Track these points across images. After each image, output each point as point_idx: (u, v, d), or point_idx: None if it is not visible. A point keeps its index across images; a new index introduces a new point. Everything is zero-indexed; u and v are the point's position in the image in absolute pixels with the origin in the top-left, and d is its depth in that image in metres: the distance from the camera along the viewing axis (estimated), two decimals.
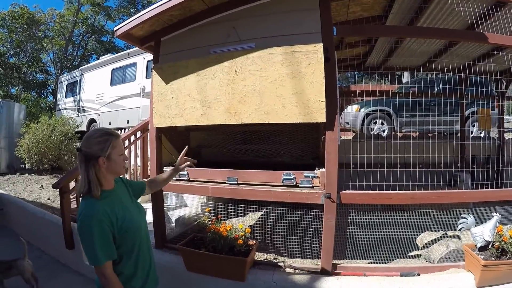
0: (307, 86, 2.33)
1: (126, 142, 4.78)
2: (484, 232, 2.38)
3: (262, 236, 2.98)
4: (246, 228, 2.63)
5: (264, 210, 3.08)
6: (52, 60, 17.88)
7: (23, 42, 15.44)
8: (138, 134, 5.03)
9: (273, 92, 2.40)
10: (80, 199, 1.51)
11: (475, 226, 2.49)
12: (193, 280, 2.69)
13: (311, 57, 2.31)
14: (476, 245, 2.43)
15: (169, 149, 3.32)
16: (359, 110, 7.14)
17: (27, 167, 8.28)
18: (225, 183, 2.65)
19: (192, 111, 2.75)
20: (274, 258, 2.94)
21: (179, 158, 1.99)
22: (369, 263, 2.77)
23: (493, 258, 2.31)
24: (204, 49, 2.84)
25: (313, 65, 2.30)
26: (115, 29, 3.27)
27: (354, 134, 6.98)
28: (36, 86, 16.56)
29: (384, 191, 2.59)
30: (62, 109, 11.10)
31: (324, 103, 2.30)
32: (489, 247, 2.38)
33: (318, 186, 2.49)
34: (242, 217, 4.14)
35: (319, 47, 2.31)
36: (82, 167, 1.42)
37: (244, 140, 3.22)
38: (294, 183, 2.46)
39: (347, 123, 7.39)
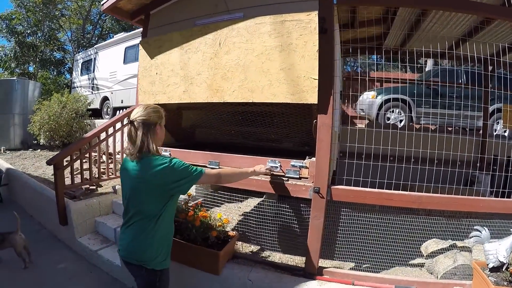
0: (297, 61, 2.02)
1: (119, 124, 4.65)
2: (499, 250, 1.98)
3: (245, 228, 2.76)
4: (224, 218, 2.41)
5: (248, 199, 2.85)
6: (70, 38, 18.05)
7: (40, 21, 15.65)
8: None
9: (259, 67, 2.12)
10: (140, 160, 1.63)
11: (490, 242, 2.07)
12: (170, 267, 2.52)
13: (304, 27, 1.99)
14: (488, 264, 2.03)
15: None
16: (376, 97, 6.71)
17: (41, 143, 8.43)
18: (206, 167, 2.41)
19: (175, 87, 2.53)
20: (258, 252, 2.72)
21: None
22: (365, 267, 2.46)
23: (505, 283, 1.90)
24: (191, 21, 2.58)
25: (305, 37, 1.98)
26: (102, 2, 3.08)
27: (368, 122, 6.60)
28: (53, 64, 16.83)
29: (384, 190, 2.22)
30: (77, 87, 11.19)
31: (317, 81, 1.99)
32: (503, 269, 1.97)
33: (307, 178, 2.19)
34: (231, 204, 3.96)
35: (313, 15, 1.98)
36: (139, 133, 1.60)
37: (239, 122, 2.95)
38: (278, 171, 2.20)
39: (362, 110, 7.01)
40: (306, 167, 2.17)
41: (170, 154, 2.57)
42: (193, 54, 2.40)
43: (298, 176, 2.16)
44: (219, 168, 2.33)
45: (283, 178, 2.24)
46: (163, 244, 1.69)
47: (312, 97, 2.01)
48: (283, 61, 2.05)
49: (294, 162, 2.17)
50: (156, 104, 2.70)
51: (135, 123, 1.64)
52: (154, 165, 1.59)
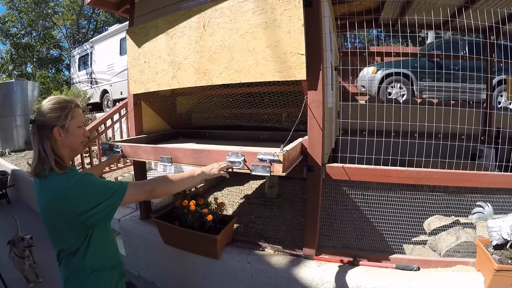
0: (283, 37, 1.95)
1: (116, 116, 4.67)
2: (503, 227, 1.92)
3: (244, 210, 2.75)
4: (220, 202, 2.41)
5: (250, 181, 2.83)
6: (65, 35, 17.96)
7: (34, 21, 15.59)
8: None
9: (244, 46, 2.06)
10: (41, 180, 1.22)
11: (493, 218, 2.03)
12: (171, 254, 2.56)
13: (287, 1, 1.90)
14: (491, 242, 1.98)
15: (151, 115, 3.12)
16: (376, 73, 6.59)
17: None
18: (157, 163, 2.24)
19: (163, 74, 2.49)
20: (257, 234, 2.72)
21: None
22: (366, 246, 2.40)
23: (509, 261, 1.86)
24: (175, 6, 2.50)
25: (290, 11, 1.91)
26: None
27: (369, 98, 6.51)
28: (51, 62, 16.83)
29: (381, 167, 2.17)
30: (76, 83, 11.22)
31: (304, 56, 1.91)
32: (507, 247, 1.93)
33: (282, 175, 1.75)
34: (232, 187, 3.96)
35: None
36: (35, 140, 1.21)
37: (230, 104, 2.87)
38: (241, 167, 1.66)
39: (363, 86, 6.90)
40: (280, 162, 1.58)
41: (121, 149, 2.27)
42: (179, 39, 2.34)
43: (268, 174, 1.62)
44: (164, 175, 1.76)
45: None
46: (104, 276, 1.33)
47: (300, 73, 1.95)
48: (269, 38, 1.99)
49: (262, 155, 1.60)
50: (145, 92, 2.70)
51: (34, 124, 1.23)
52: (55, 189, 1.17)
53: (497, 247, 1.97)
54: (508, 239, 1.91)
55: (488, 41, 4.65)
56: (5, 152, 7.82)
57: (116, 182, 1.26)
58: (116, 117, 4.68)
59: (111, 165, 4.53)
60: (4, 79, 14.61)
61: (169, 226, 2.36)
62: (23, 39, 15.73)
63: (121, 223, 3.09)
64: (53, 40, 16.97)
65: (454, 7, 4.06)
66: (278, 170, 1.59)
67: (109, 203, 1.19)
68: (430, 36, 9.50)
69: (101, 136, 4.51)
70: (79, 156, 4.20)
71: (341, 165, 2.20)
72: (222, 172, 1.60)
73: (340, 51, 4.79)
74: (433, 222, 2.63)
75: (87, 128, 4.22)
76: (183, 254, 2.45)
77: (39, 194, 1.23)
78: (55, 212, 1.18)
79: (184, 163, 1.91)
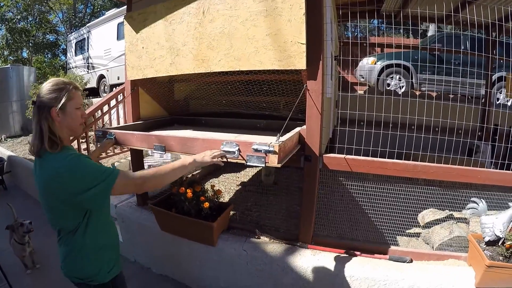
0: (283, 26, 1.93)
1: (113, 102, 4.64)
2: (496, 224, 1.95)
3: (241, 198, 2.77)
4: (217, 189, 2.42)
5: (246, 168, 2.82)
6: (62, 19, 17.66)
7: (30, 6, 15.31)
8: None
9: (244, 34, 2.03)
10: (40, 159, 1.26)
11: (487, 215, 2.05)
12: (168, 240, 2.58)
13: None
14: (484, 238, 2.01)
15: (148, 101, 3.10)
16: (375, 63, 6.57)
17: None
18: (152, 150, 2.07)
19: (161, 60, 2.46)
20: (253, 222, 2.75)
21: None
22: (361, 237, 2.44)
23: (501, 258, 1.89)
24: None
25: (291, 0, 1.89)
26: None
27: (368, 88, 6.51)
28: (47, 47, 16.60)
29: (378, 159, 2.18)
30: (73, 68, 11.10)
31: (305, 45, 1.89)
32: (499, 243, 1.95)
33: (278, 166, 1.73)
34: (229, 174, 3.97)
35: None
36: (34, 120, 1.25)
37: (229, 91, 2.85)
38: (237, 157, 1.62)
39: (362, 76, 6.89)
40: (275, 153, 1.53)
41: (114, 137, 2.21)
42: (178, 25, 2.31)
43: (263, 165, 1.58)
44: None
45: None
46: (103, 255, 1.37)
47: (300, 63, 1.93)
48: (269, 26, 1.96)
49: (257, 145, 1.55)
50: (143, 78, 2.67)
51: (35, 105, 1.27)
52: (50, 167, 1.21)
53: (489, 243, 2.00)
54: (501, 236, 1.94)
55: (490, 37, 4.63)
56: (1, 138, 7.77)
57: (109, 167, 1.27)
58: (113, 102, 4.64)
59: (108, 151, 4.52)
60: (0, 64, 14.43)
61: (166, 213, 2.37)
62: (19, 24, 15.47)
63: (117, 209, 3.10)
64: (49, 25, 16.70)
65: (458, 1, 4.03)
66: (273, 161, 1.54)
67: (102, 187, 1.20)
68: (432, 29, 9.43)
69: (98, 121, 4.48)
70: (75, 142, 4.18)
71: (340, 156, 2.21)
72: (215, 159, 1.56)
73: (340, 40, 4.75)
74: (427, 215, 2.66)
75: None
76: (180, 240, 2.47)
77: (39, 173, 1.26)
78: (51, 191, 1.22)
79: (176, 151, 1.88)
